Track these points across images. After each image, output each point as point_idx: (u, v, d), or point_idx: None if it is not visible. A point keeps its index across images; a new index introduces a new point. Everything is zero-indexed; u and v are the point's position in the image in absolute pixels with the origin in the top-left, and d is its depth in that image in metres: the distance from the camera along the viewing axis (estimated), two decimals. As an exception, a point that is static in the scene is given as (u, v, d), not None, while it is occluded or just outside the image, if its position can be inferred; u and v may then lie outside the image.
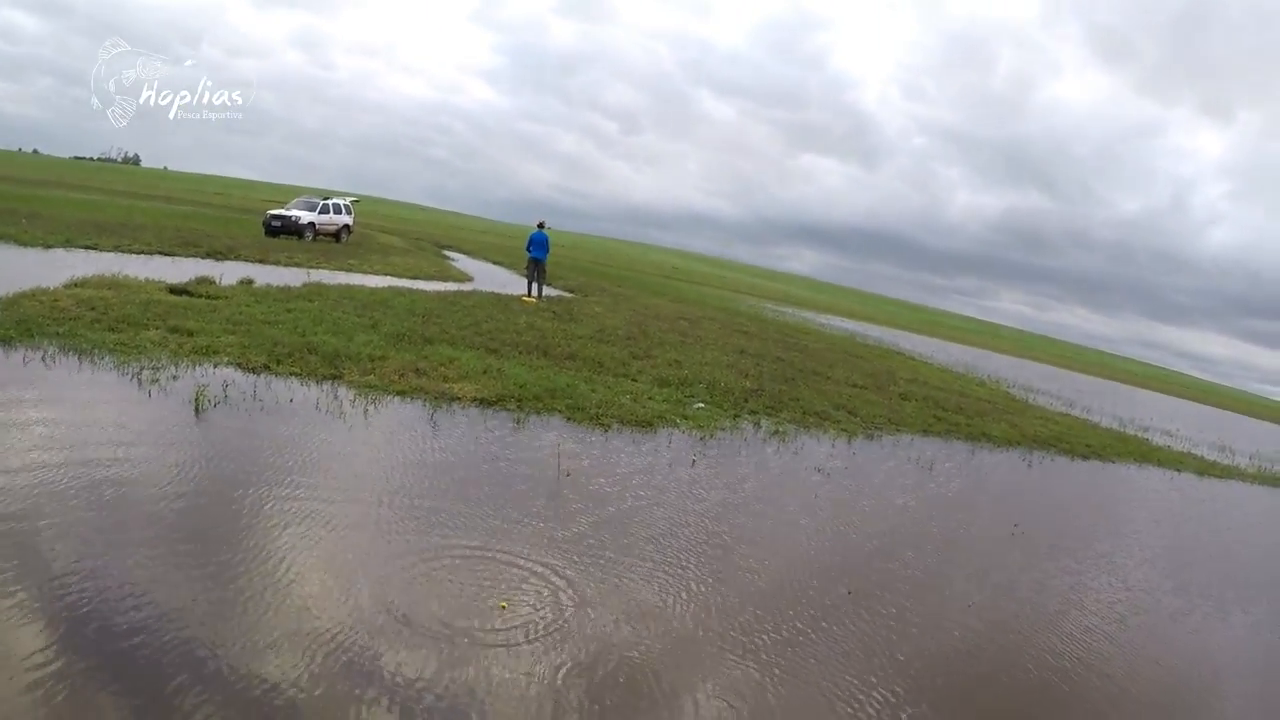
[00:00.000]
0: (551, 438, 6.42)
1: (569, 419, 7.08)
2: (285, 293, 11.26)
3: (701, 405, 8.71)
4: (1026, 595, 5.16)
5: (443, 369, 7.89)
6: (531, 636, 3.36)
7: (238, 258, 15.96)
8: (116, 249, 14.19)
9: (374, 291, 13.25)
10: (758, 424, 8.43)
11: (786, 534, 5.44)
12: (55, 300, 8.09)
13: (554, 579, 3.93)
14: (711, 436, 7.50)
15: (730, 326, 20.29)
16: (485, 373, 8.01)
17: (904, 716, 3.32)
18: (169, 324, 7.80)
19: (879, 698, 3.42)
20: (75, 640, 2.79)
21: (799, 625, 3.97)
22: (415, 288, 15.69)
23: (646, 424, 7.37)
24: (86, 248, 13.88)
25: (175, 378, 6.24)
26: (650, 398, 8.52)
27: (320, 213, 24.92)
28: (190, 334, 7.56)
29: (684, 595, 4.05)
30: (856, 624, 4.13)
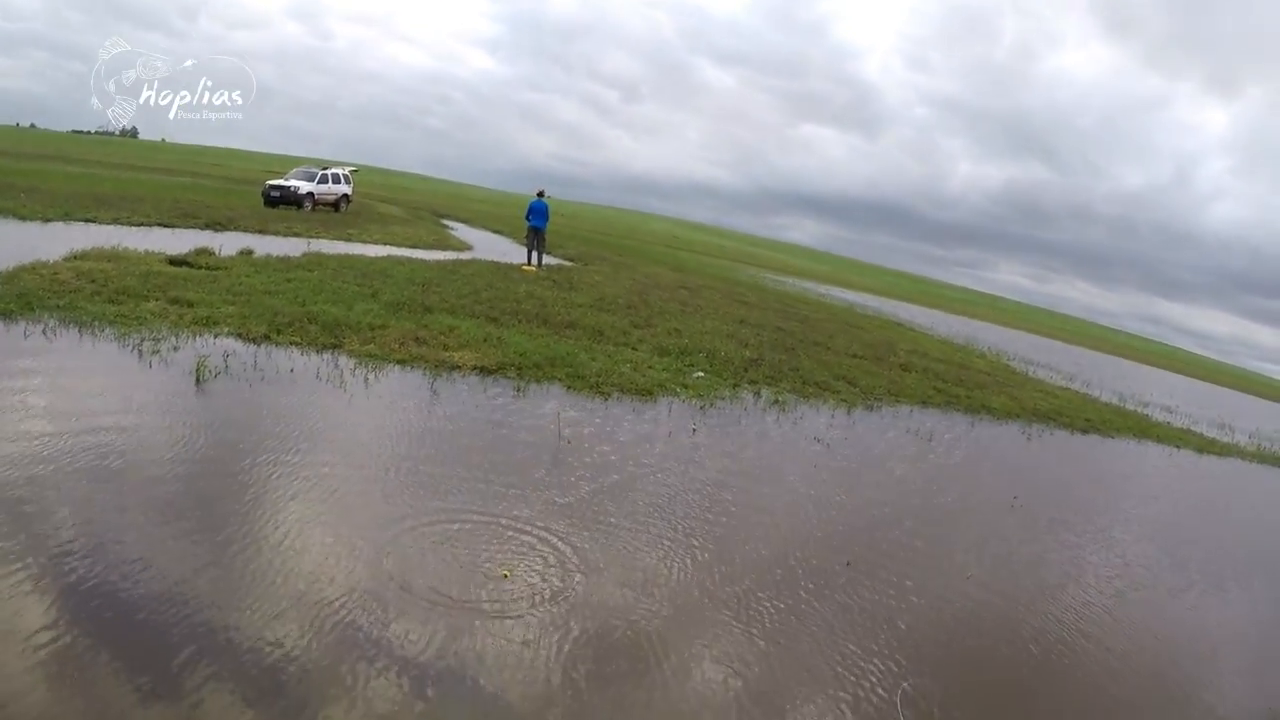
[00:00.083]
0: (552, 406, 6.43)
1: (569, 387, 7.08)
2: (285, 263, 11.19)
3: (701, 374, 8.71)
4: (1026, 568, 5.20)
5: (443, 337, 7.88)
6: (536, 603, 3.40)
7: (237, 228, 15.83)
8: (115, 221, 14.04)
9: (373, 260, 13.18)
10: (757, 393, 8.44)
11: (786, 502, 5.47)
12: (55, 273, 8.03)
13: (557, 544, 3.96)
14: (711, 405, 7.51)
15: (730, 296, 20.22)
16: (485, 341, 8.00)
17: (905, 685, 3.36)
18: (169, 295, 7.76)
19: (879, 666, 3.46)
20: (78, 604, 2.82)
21: (800, 594, 4.01)
22: (415, 256, 15.60)
23: (646, 392, 7.38)
24: (85, 220, 13.72)
25: (176, 349, 6.22)
26: (650, 366, 8.51)
27: (319, 183, 24.67)
28: (190, 305, 7.53)
29: (688, 562, 4.09)
30: (857, 593, 4.16)
